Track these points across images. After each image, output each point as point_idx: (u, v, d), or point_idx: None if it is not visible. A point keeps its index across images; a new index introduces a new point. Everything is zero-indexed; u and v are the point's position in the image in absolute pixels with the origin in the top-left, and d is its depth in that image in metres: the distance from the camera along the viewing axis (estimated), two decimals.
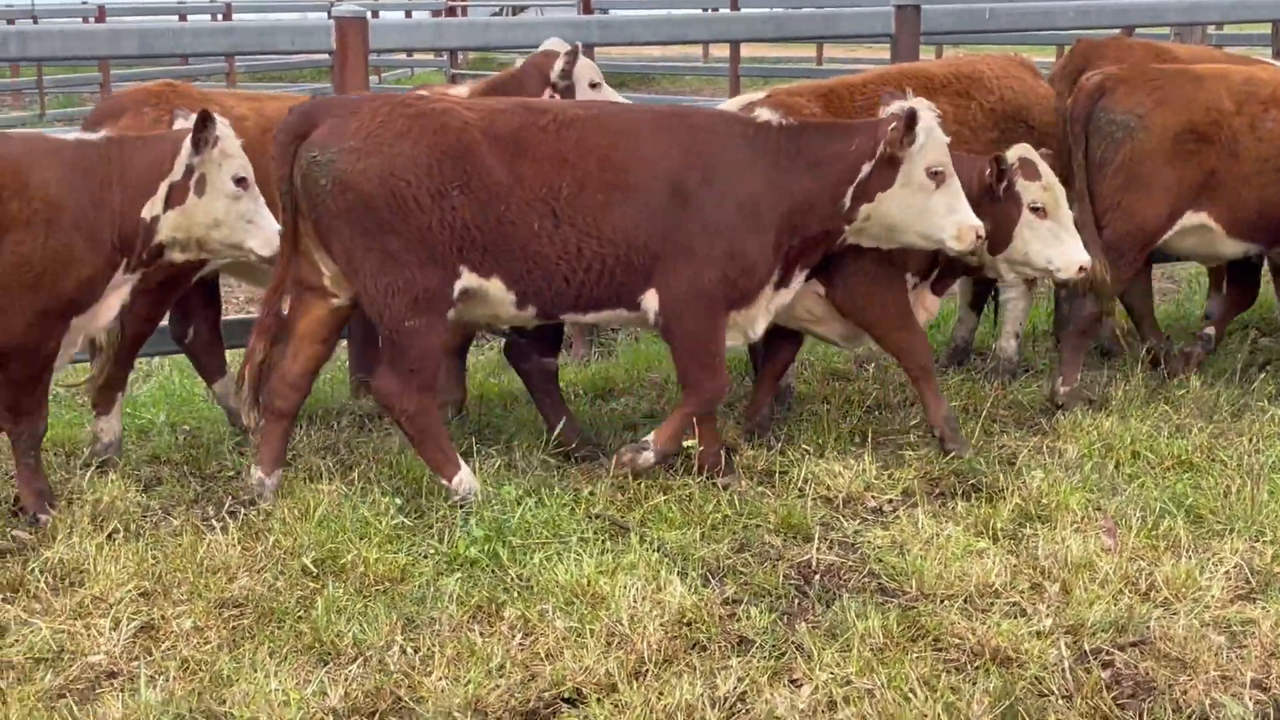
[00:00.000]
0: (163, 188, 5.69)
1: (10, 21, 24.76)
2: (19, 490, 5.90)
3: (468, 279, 5.80)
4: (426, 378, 5.84)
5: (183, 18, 22.93)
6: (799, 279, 6.32)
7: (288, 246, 5.81)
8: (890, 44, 8.66)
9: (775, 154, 6.05)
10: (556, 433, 6.51)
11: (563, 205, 5.78)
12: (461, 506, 5.79)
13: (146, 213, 5.68)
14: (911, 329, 6.58)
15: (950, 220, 6.08)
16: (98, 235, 5.61)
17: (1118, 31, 10.49)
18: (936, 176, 6.05)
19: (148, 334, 6.66)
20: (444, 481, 5.93)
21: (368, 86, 7.36)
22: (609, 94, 7.29)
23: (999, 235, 6.40)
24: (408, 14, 27.35)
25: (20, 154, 5.57)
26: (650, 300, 6.00)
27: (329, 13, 7.48)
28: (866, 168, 6.03)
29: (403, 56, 26.85)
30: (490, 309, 6.01)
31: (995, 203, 6.36)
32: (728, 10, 19.51)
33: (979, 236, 6.11)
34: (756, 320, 6.24)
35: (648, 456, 6.10)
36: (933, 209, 6.07)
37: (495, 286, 5.86)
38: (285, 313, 5.98)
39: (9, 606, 5.04)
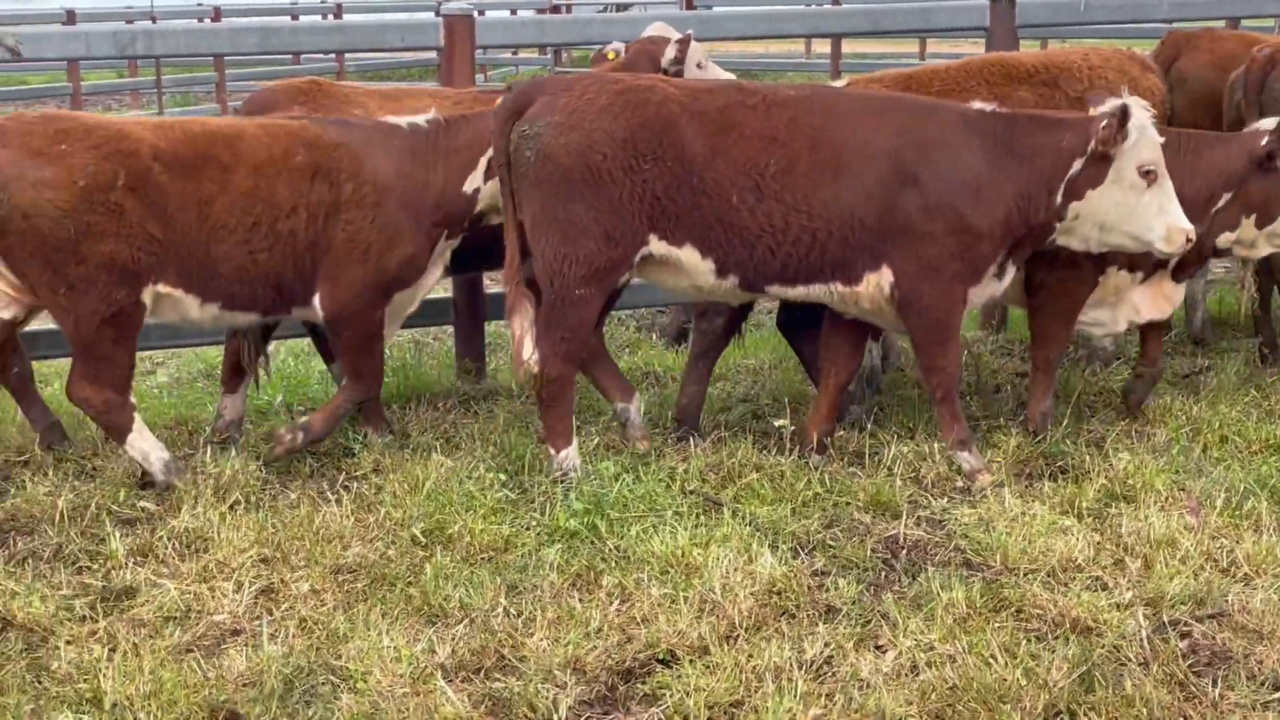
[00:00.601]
0: (482, 162, 6.37)
1: (129, 21, 25.57)
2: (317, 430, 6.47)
3: (655, 245, 6.08)
4: (574, 348, 6.17)
5: (295, 17, 23.53)
6: (1011, 271, 6.40)
7: (513, 220, 6.16)
8: (985, 37, 8.78)
9: (992, 139, 6.16)
10: None
11: (768, 181, 5.99)
12: (561, 480, 6.05)
13: (468, 186, 6.36)
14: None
15: (1160, 221, 6.07)
16: (422, 215, 6.29)
17: (1221, 23, 10.49)
18: (1148, 176, 6.04)
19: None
20: (551, 451, 6.22)
21: (473, 82, 7.64)
22: (715, 73, 7.54)
23: (1271, 209, 6.48)
24: (513, 12, 27.82)
25: (359, 140, 6.27)
26: (883, 276, 6.14)
27: (437, 11, 7.76)
28: (1078, 164, 6.06)
29: (508, 55, 27.28)
30: (688, 277, 6.24)
31: (1267, 175, 6.43)
32: (827, 6, 19.61)
33: (1189, 240, 6.11)
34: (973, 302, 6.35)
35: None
36: (1143, 209, 6.06)
37: (689, 254, 6.10)
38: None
39: (140, 570, 5.38)
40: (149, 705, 4.35)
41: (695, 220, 6.04)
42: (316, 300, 6.31)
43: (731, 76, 7.47)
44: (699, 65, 7.54)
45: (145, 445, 6.18)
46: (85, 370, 6.03)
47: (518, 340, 6.19)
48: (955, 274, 6.11)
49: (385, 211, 6.23)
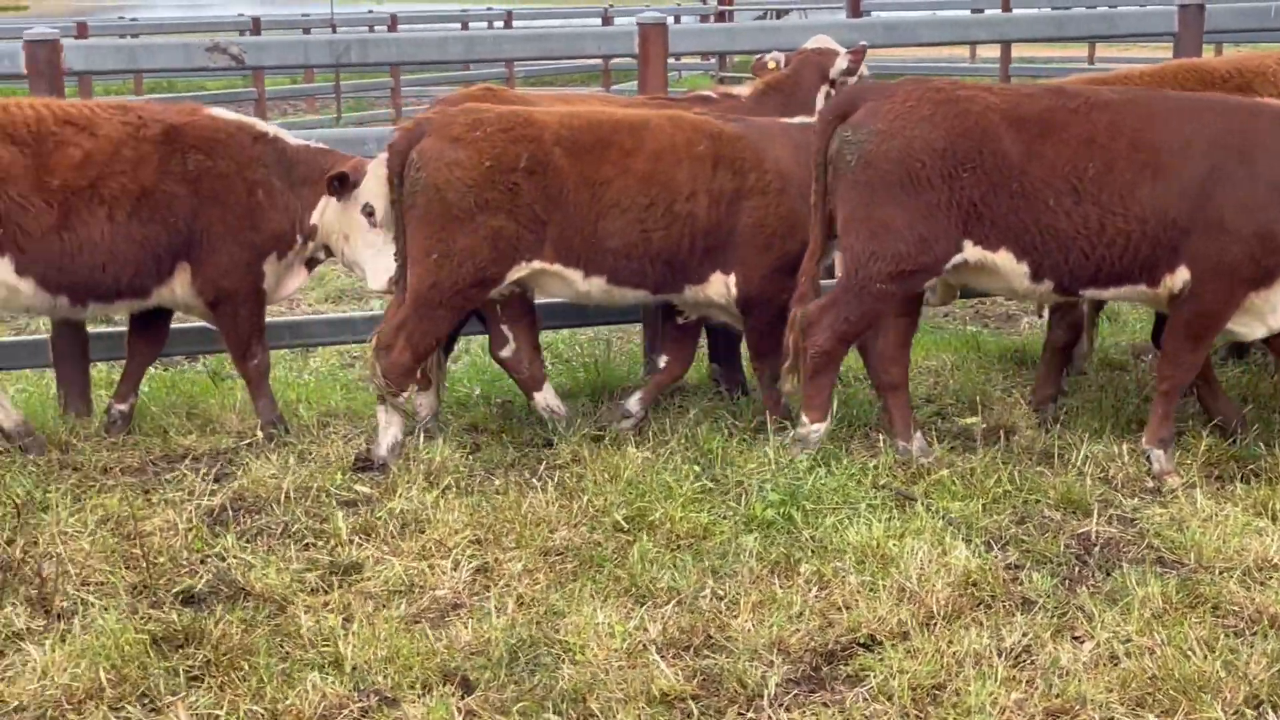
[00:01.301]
0: None
1: (306, 30, 26.40)
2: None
3: (970, 251, 6.30)
4: (851, 334, 6.48)
5: (465, 25, 24.15)
6: None
7: (820, 215, 6.52)
8: (1173, 42, 8.77)
9: None
10: None
11: (1086, 183, 6.14)
12: (801, 448, 6.42)
13: None
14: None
15: None
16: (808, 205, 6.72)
17: None
18: None
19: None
20: (804, 418, 6.56)
21: (666, 88, 7.89)
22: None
23: None
24: (676, 19, 28.13)
25: (757, 135, 6.82)
26: (1179, 277, 6.23)
27: (605, 17, 8.02)
28: None
29: (670, 60, 27.37)
30: (1003, 281, 6.45)
31: None
32: (998, 11, 19.54)
33: None
34: (1277, 306, 6.33)
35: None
36: None
37: (1004, 259, 6.30)
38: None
39: (363, 547, 5.74)
40: (386, 669, 4.68)
41: (1011, 224, 6.21)
42: (724, 283, 6.81)
43: None
44: (858, 76, 7.67)
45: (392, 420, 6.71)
46: (406, 329, 6.55)
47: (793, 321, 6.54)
48: (1247, 277, 6.17)
49: (788, 199, 6.72)
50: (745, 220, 6.71)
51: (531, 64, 24.32)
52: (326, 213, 7.05)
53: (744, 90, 7.85)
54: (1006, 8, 19.86)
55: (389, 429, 6.68)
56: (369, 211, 6.87)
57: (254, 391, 7.24)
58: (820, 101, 7.62)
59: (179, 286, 6.96)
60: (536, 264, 6.62)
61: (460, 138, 6.47)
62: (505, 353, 7.16)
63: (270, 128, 7.18)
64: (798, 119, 6.95)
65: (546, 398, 7.19)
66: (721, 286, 6.84)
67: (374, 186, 6.83)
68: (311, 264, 7.41)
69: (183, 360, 9.08)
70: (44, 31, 7.02)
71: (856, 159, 6.26)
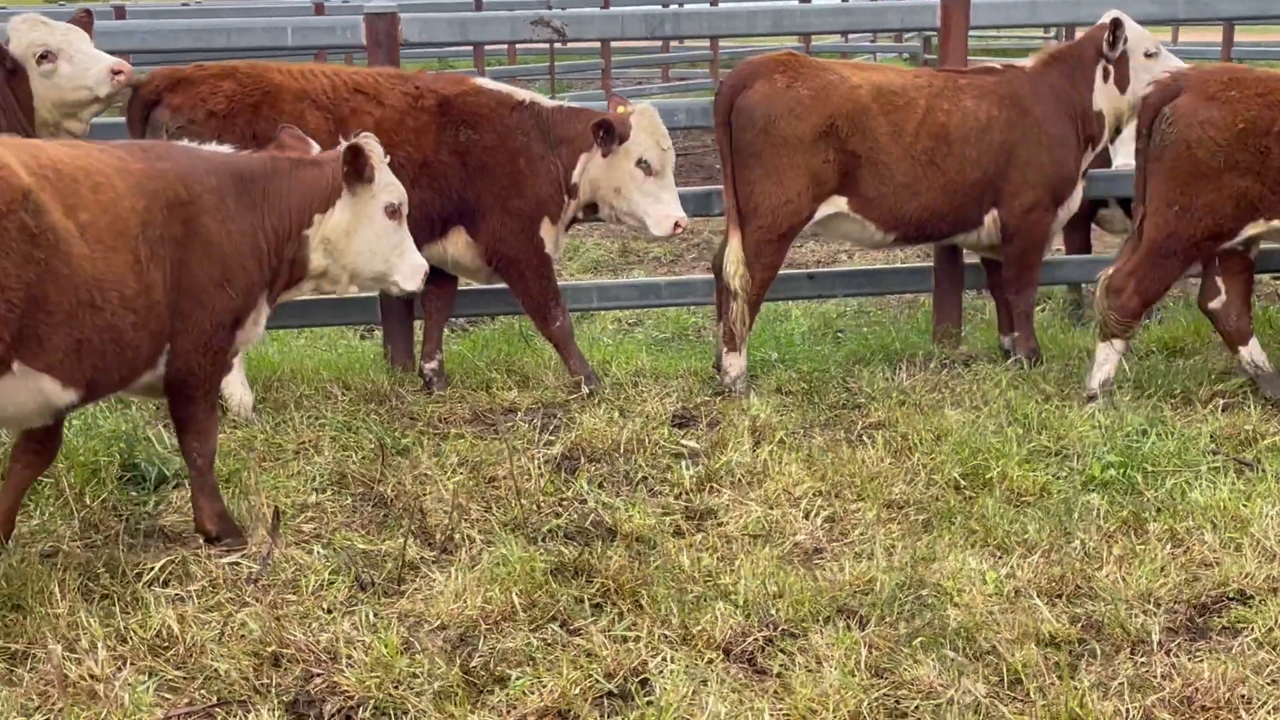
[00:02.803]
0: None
1: (548, 6, 26.74)
2: None
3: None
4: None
5: (681, 2, 24.35)
6: None
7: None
8: None
9: None
10: None
11: None
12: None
13: None
14: None
15: None
16: None
17: None
18: None
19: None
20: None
21: (966, 61, 8.02)
22: (1169, 61, 7.64)
23: None
24: None
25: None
26: None
27: None
28: None
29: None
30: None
31: None
32: None
33: None
34: None
35: None
36: None
37: None
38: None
39: (716, 495, 6.00)
40: (777, 604, 4.93)
41: None
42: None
43: (1183, 65, 7.59)
44: (1147, 54, 7.65)
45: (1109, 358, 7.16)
46: (1137, 275, 6.91)
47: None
48: None
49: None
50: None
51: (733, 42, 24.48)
52: (590, 169, 7.31)
53: (1027, 62, 7.93)
54: None
55: (1104, 365, 7.12)
56: (643, 163, 7.12)
57: (563, 353, 7.56)
58: (1099, 76, 7.68)
59: (451, 248, 7.31)
60: (1275, 223, 6.84)
61: (1215, 96, 6.73)
62: (1215, 304, 7.27)
63: (526, 94, 7.45)
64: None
65: (1252, 352, 7.25)
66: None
67: (644, 139, 7.13)
68: (569, 224, 7.66)
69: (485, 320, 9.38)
70: (383, 5, 7.41)
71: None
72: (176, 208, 5.11)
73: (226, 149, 5.60)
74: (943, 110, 7.49)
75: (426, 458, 6.38)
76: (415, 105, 7.15)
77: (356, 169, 5.49)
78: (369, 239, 5.61)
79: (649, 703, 4.31)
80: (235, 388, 6.97)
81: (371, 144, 5.54)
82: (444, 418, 7.14)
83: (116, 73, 6.60)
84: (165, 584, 5.14)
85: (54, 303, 4.67)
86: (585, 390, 7.31)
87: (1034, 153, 7.62)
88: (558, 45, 8.91)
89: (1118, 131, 7.92)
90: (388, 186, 5.61)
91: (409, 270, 5.76)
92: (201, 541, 5.46)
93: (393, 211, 5.63)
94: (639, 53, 26.80)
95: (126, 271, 4.89)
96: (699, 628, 4.72)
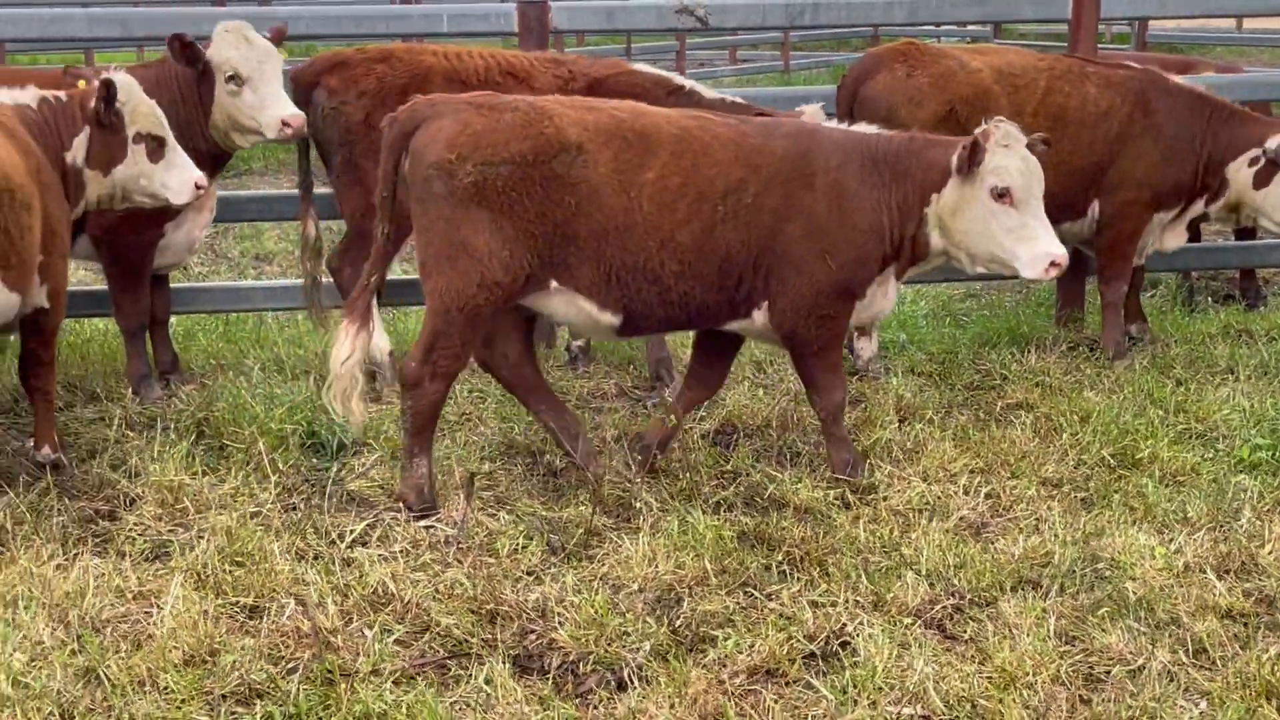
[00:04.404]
0: None
1: None
2: None
3: None
4: None
5: None
6: None
7: None
8: None
9: None
10: None
11: None
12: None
13: None
14: None
15: None
16: None
17: None
18: None
19: None
20: None
21: (1095, 50, 8.19)
22: None
23: None
24: None
25: None
26: None
27: None
28: None
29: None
30: None
31: None
32: None
33: None
34: None
35: None
36: None
37: None
38: None
39: (878, 469, 6.22)
40: (959, 574, 5.16)
41: None
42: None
43: None
44: None
45: None
46: None
47: None
48: None
49: None
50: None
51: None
52: None
53: (1176, 76, 8.03)
54: None
55: None
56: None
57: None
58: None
59: None
60: None
61: None
62: None
63: (686, 81, 7.57)
64: None
65: None
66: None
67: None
68: None
69: None
70: None
71: None
72: (778, 182, 5.79)
73: (868, 129, 6.11)
74: (1062, 92, 7.68)
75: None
76: (565, 88, 7.36)
77: (972, 155, 5.76)
78: (972, 220, 5.86)
79: (855, 664, 4.55)
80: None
81: (1005, 129, 5.84)
82: (592, 393, 7.39)
83: (286, 125, 6.76)
84: (365, 545, 5.41)
85: (583, 239, 5.60)
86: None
87: (1146, 150, 7.77)
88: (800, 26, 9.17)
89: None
90: (996, 170, 5.79)
91: (1028, 258, 5.85)
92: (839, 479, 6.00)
93: (999, 194, 5.80)
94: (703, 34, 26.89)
95: (681, 226, 5.67)
96: (890, 594, 4.95)
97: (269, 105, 6.76)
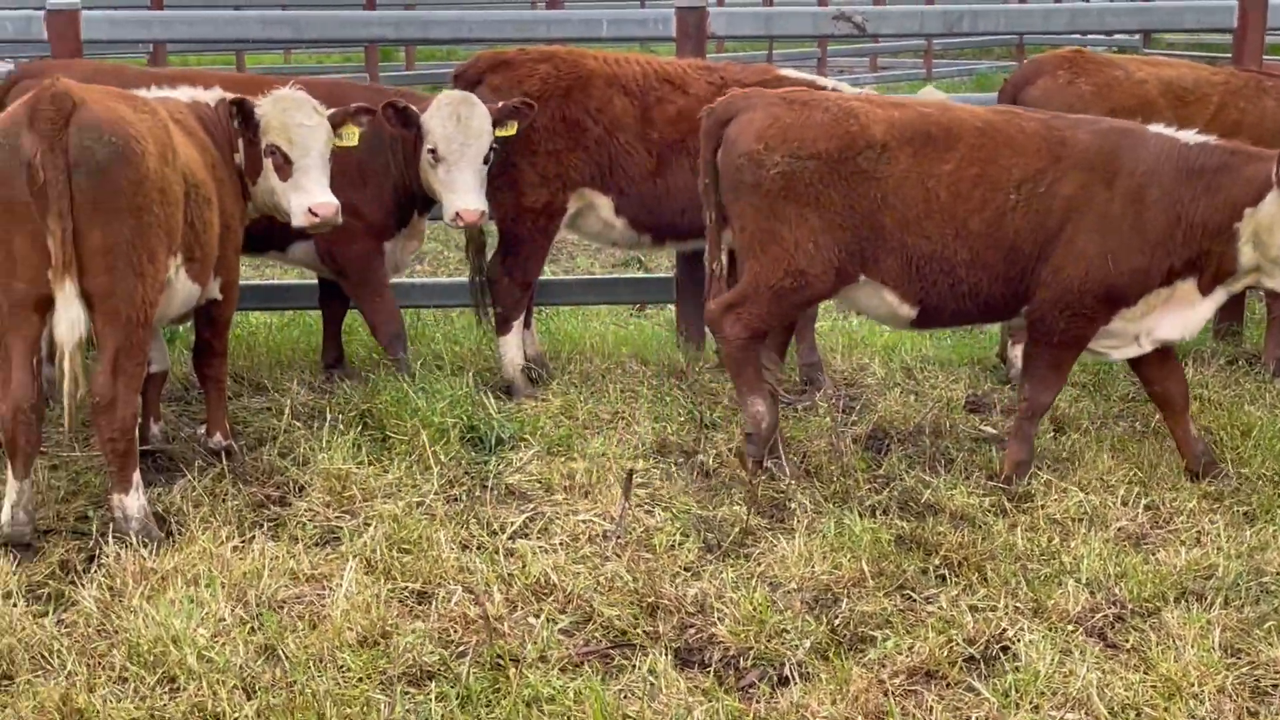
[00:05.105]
0: None
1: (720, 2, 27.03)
2: None
3: None
4: None
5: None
6: None
7: None
8: None
9: None
10: None
11: None
12: None
13: None
14: None
15: None
16: None
17: None
18: None
19: None
20: None
21: (1261, 62, 8.06)
22: None
23: None
24: None
25: None
26: None
27: None
28: None
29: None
30: None
31: None
32: None
33: None
34: None
35: None
36: None
37: None
38: None
39: (1034, 477, 6.18)
40: (1121, 584, 5.13)
41: None
42: None
43: None
44: None
45: None
46: None
47: None
48: None
49: None
50: None
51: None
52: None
53: None
54: None
55: None
56: None
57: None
58: None
59: None
60: None
61: None
62: None
63: (829, 82, 7.59)
64: None
65: None
66: None
67: None
68: None
69: None
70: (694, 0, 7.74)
71: None
72: (1077, 173, 5.89)
73: (1191, 137, 6.00)
74: (1238, 109, 7.55)
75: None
76: (717, 94, 7.44)
77: None
78: None
79: (1016, 668, 4.55)
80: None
81: None
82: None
83: (459, 217, 6.84)
84: (526, 536, 5.54)
85: (888, 231, 5.92)
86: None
87: None
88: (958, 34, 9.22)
89: None
90: None
91: None
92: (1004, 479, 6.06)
93: None
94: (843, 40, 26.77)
95: (974, 214, 5.88)
96: (1051, 601, 4.95)
97: (456, 191, 6.89)
